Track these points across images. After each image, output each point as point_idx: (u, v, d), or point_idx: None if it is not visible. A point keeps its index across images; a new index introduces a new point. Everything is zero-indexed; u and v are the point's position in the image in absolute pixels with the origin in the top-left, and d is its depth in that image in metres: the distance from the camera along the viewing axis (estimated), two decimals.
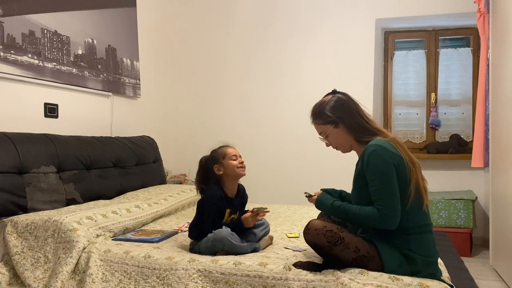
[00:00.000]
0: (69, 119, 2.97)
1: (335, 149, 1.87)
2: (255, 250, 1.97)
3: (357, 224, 1.76)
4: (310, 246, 1.70)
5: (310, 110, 1.85)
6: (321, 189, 1.88)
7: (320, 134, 1.84)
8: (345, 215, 1.69)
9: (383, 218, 1.58)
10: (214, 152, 2.10)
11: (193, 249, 2.01)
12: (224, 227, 1.94)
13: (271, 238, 2.15)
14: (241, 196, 2.16)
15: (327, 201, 1.75)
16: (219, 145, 2.14)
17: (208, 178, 2.08)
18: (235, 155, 2.06)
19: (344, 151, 1.85)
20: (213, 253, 1.92)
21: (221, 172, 2.05)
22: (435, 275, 1.63)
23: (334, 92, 1.84)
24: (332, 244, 1.60)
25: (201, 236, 1.98)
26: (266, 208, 2.03)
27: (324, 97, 1.85)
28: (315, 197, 1.79)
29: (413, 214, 1.63)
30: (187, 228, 2.21)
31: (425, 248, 1.63)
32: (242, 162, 2.07)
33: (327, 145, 1.86)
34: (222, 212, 2.03)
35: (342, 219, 1.78)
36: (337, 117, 1.76)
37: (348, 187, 1.90)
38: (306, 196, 1.83)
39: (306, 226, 1.68)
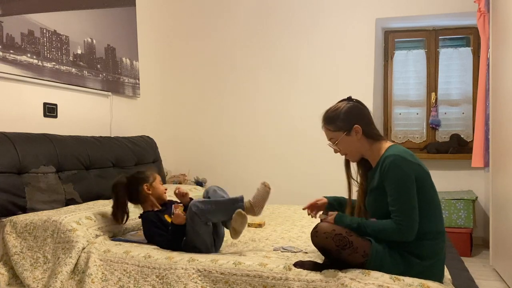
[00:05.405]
0: (68, 119, 2.96)
1: (343, 156, 1.83)
2: (236, 201, 1.98)
3: (377, 238, 1.67)
4: (317, 248, 1.68)
5: (322, 114, 1.79)
6: (324, 197, 1.93)
7: (330, 140, 1.79)
8: (364, 232, 1.64)
9: (401, 231, 1.57)
10: (141, 173, 2.26)
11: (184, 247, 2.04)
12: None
13: (266, 185, 2.02)
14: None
15: (345, 221, 1.68)
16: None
17: (136, 197, 2.21)
18: (160, 181, 2.27)
19: (352, 160, 1.82)
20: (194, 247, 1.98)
21: (149, 192, 2.20)
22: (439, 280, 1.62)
23: (349, 99, 1.79)
24: (341, 248, 1.59)
25: (165, 243, 2.04)
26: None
27: (338, 103, 1.80)
28: (332, 217, 1.71)
29: (432, 219, 1.62)
30: None
31: (434, 254, 1.61)
32: (166, 189, 2.29)
33: (335, 151, 1.81)
34: (164, 223, 2.12)
35: (362, 235, 1.67)
36: (350, 125, 1.72)
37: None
38: (321, 220, 1.75)
39: (314, 228, 1.65)
